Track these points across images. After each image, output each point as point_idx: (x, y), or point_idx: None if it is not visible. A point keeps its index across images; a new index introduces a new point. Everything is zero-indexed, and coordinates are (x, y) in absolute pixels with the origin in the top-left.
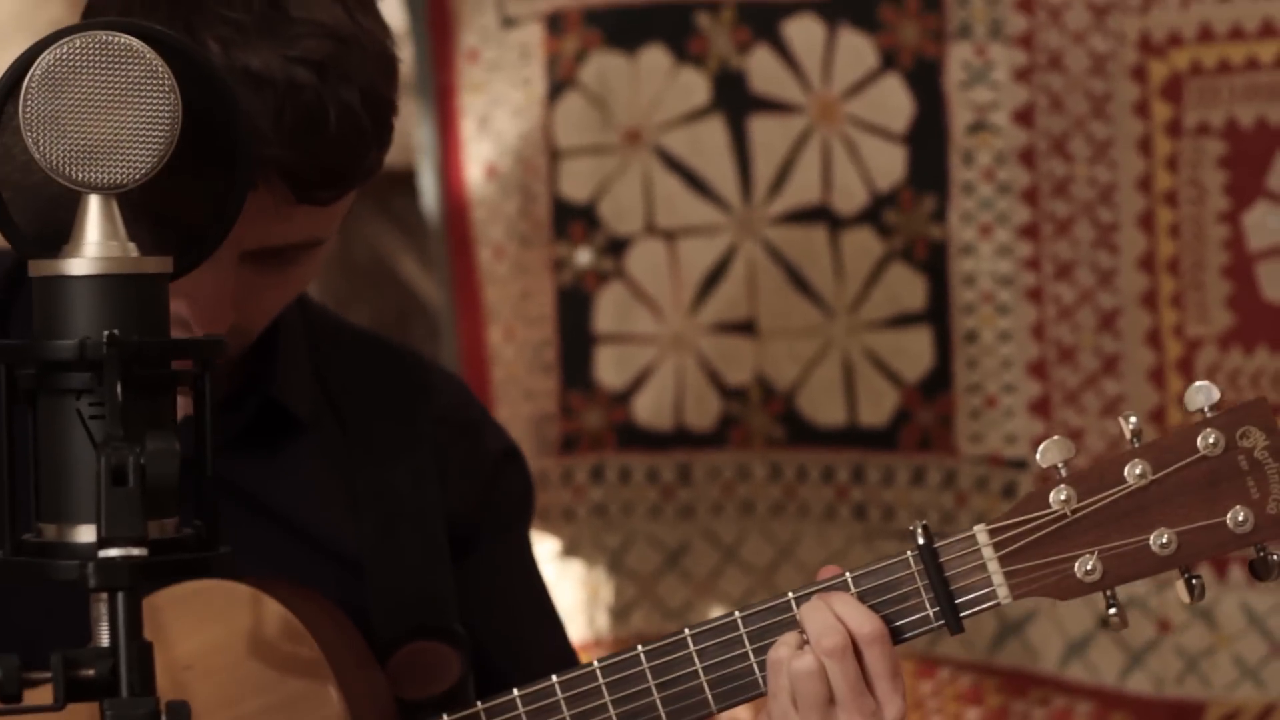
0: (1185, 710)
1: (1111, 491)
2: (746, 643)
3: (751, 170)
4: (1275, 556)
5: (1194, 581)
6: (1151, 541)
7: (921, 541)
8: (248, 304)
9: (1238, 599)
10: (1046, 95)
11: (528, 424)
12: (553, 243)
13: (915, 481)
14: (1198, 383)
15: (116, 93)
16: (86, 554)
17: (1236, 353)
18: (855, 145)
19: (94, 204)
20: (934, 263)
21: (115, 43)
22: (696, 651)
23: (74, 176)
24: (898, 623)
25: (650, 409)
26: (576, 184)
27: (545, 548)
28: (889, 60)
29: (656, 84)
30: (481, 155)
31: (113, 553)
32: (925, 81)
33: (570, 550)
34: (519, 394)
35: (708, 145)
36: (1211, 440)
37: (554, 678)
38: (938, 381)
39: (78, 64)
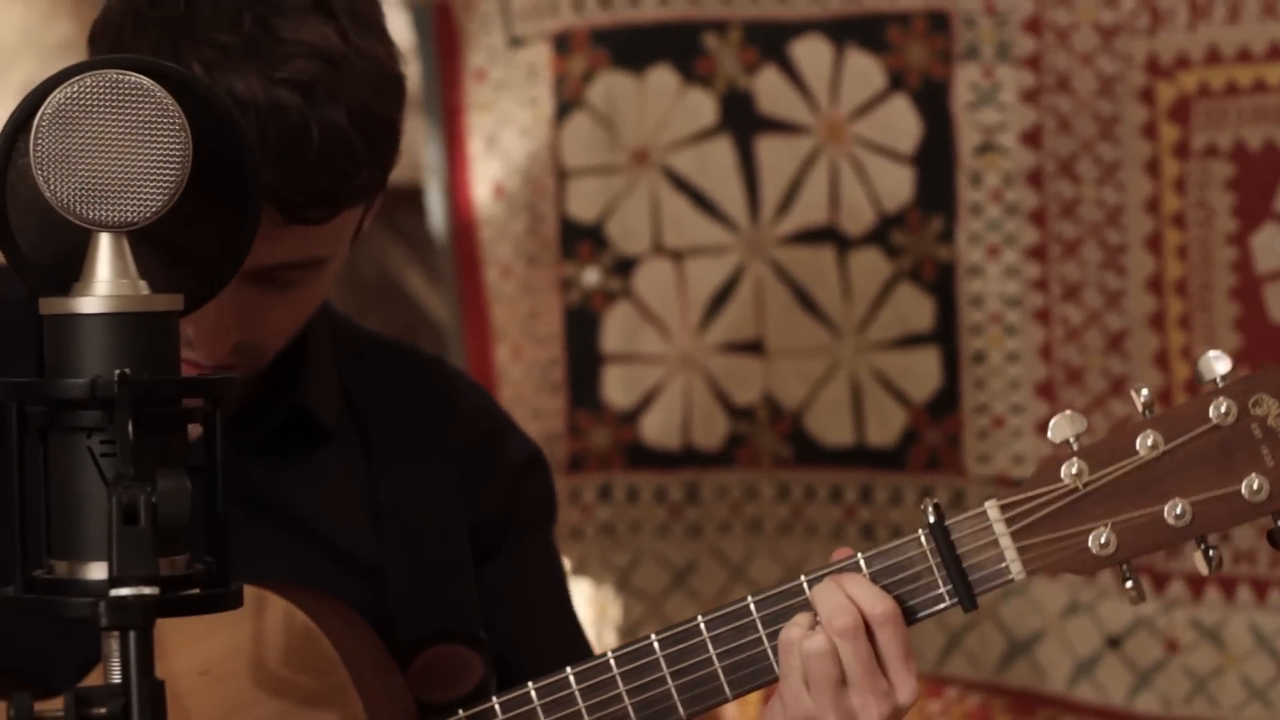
0: None
1: (1123, 463)
2: (760, 627)
3: (759, 190)
4: None
5: (1210, 552)
6: (1166, 512)
7: (933, 520)
8: (254, 323)
9: (1246, 620)
10: (1054, 117)
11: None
12: (560, 262)
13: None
14: (1210, 352)
15: (127, 131)
16: (98, 591)
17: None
18: (863, 166)
19: (105, 242)
20: (942, 283)
21: (126, 81)
22: (710, 638)
23: (85, 215)
24: (910, 602)
25: (658, 428)
26: (584, 203)
27: None
28: (897, 81)
29: (664, 104)
30: (489, 174)
31: (124, 592)
32: (933, 102)
33: (578, 569)
34: (526, 413)
35: (715, 165)
36: (1224, 409)
37: (569, 670)
38: (945, 402)
39: (89, 102)
